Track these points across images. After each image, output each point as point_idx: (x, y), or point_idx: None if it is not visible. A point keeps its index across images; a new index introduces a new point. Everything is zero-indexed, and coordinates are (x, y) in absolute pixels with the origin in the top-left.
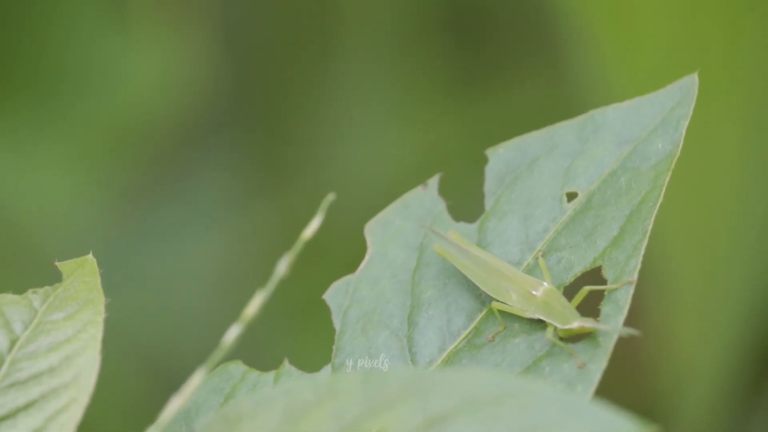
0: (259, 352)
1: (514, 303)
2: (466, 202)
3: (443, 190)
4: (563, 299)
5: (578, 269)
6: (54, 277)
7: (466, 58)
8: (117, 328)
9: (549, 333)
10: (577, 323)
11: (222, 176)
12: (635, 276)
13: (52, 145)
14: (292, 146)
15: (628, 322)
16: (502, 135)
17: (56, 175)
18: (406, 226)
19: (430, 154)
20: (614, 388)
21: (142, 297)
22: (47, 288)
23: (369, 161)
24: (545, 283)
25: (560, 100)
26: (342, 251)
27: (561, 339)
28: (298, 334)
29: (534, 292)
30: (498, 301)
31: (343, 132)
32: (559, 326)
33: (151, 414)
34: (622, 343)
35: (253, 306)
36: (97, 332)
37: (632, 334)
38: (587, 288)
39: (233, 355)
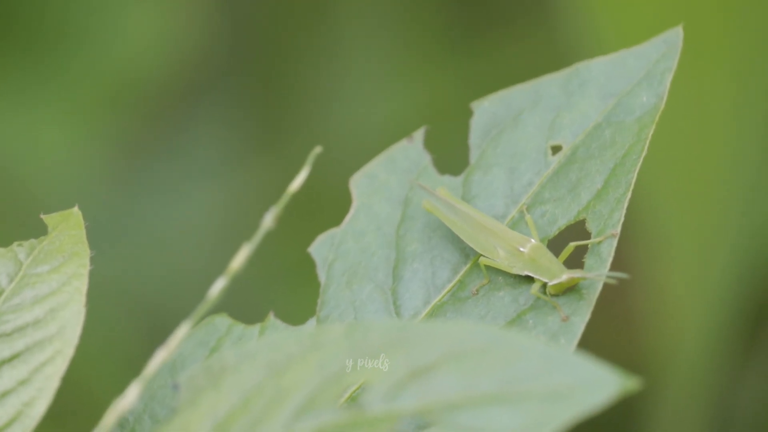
0: (248, 306)
1: (502, 259)
2: (452, 155)
3: (431, 144)
4: (550, 254)
5: (562, 222)
6: (46, 231)
7: (464, 15)
8: (111, 283)
9: (535, 288)
10: (566, 275)
11: (219, 131)
12: (619, 229)
13: (50, 101)
14: (290, 101)
15: (621, 277)
16: (499, 90)
17: (53, 131)
18: (392, 180)
19: (429, 109)
20: (606, 345)
21: (137, 252)
22: (32, 241)
23: (366, 116)
24: (532, 240)
25: (558, 55)
26: (338, 207)
27: (550, 295)
28: (286, 289)
29: (521, 249)
30: (485, 257)
31: (340, 87)
32: (548, 282)
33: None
34: (614, 300)
35: (239, 259)
36: (82, 285)
37: (620, 277)
38: (573, 244)
39: (221, 309)
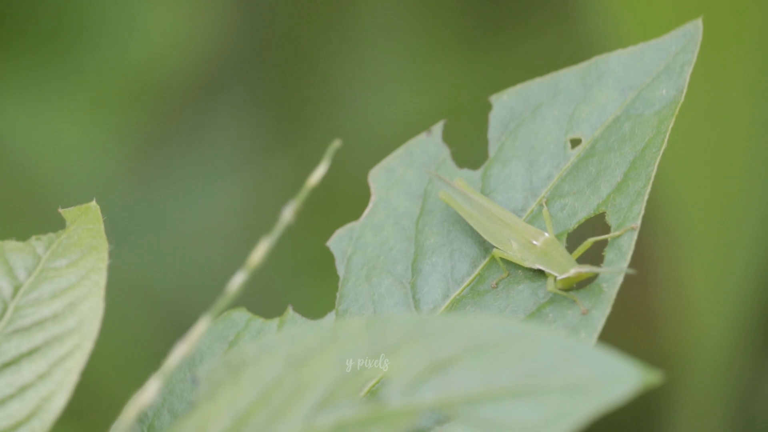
0: (267, 301)
1: (515, 252)
2: (471, 149)
3: (449, 138)
4: (562, 249)
5: (582, 216)
6: (64, 227)
7: (484, 10)
8: (130, 279)
9: (549, 284)
10: (574, 270)
11: (237, 128)
12: (639, 222)
13: (69, 97)
14: (309, 97)
15: (641, 273)
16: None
17: (72, 127)
18: (410, 173)
19: (447, 104)
20: (625, 340)
21: (156, 248)
22: (51, 234)
23: (385, 112)
24: (546, 234)
25: (577, 51)
26: (357, 202)
27: (561, 289)
28: (305, 283)
29: (534, 242)
30: (499, 249)
31: (359, 83)
32: (557, 276)
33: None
34: (634, 295)
35: (258, 253)
36: (100, 279)
37: (629, 273)
38: (591, 239)
39: (240, 303)
